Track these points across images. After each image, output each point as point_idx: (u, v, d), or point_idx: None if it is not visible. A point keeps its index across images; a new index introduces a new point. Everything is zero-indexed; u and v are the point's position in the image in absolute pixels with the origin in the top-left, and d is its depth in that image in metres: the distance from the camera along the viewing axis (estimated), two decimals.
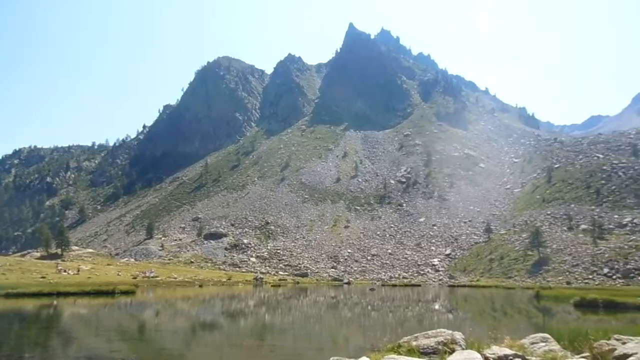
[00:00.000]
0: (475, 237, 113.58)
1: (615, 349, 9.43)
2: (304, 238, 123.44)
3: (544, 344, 11.07)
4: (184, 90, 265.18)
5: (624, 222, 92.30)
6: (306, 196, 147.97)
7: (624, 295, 44.82)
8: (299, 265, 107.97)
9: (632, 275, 69.19)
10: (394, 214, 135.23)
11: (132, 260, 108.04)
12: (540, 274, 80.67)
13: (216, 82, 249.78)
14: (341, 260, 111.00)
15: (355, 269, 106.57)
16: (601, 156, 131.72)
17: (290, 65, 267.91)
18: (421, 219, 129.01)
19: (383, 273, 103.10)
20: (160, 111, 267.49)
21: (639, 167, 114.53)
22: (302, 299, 56.34)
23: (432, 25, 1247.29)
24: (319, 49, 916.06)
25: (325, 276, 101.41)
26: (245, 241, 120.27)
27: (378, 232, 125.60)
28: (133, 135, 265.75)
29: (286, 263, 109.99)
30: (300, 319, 36.78)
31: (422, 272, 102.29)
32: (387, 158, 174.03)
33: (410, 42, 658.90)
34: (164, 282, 72.72)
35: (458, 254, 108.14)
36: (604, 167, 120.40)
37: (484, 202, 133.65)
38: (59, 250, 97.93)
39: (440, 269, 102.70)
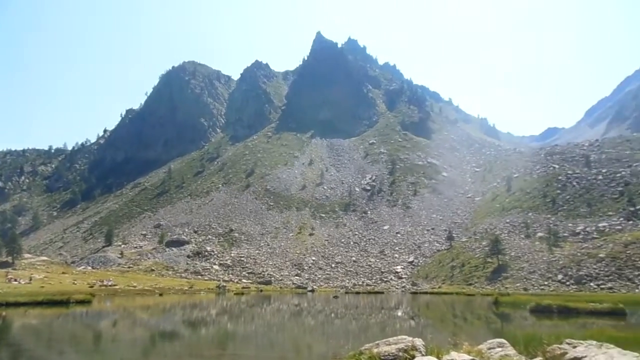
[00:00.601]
0: (438, 244, 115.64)
1: (567, 353, 9.74)
2: (268, 245, 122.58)
3: (500, 349, 11.31)
4: (148, 94, 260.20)
5: (577, 231, 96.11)
6: (271, 203, 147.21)
7: (576, 300, 46.46)
8: (263, 273, 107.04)
9: (584, 281, 71.92)
10: (359, 222, 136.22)
11: (90, 268, 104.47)
12: (499, 280, 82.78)
13: (181, 87, 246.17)
14: (305, 267, 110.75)
15: (320, 276, 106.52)
16: (557, 166, 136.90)
17: (257, 72, 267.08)
18: (385, 227, 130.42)
19: (347, 280, 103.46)
20: (123, 115, 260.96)
21: (592, 177, 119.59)
22: (266, 307, 55.81)
23: (398, 36, 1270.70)
24: (287, 56, 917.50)
25: (289, 284, 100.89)
26: (208, 249, 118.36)
27: (343, 240, 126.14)
28: (93, 140, 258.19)
29: (250, 271, 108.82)
30: (263, 327, 36.38)
31: (385, 279, 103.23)
32: (353, 166, 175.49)
33: (376, 52, 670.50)
34: (122, 290, 70.54)
35: (421, 261, 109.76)
36: (560, 177, 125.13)
37: (446, 210, 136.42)
38: (9, 259, 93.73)
39: (403, 276, 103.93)
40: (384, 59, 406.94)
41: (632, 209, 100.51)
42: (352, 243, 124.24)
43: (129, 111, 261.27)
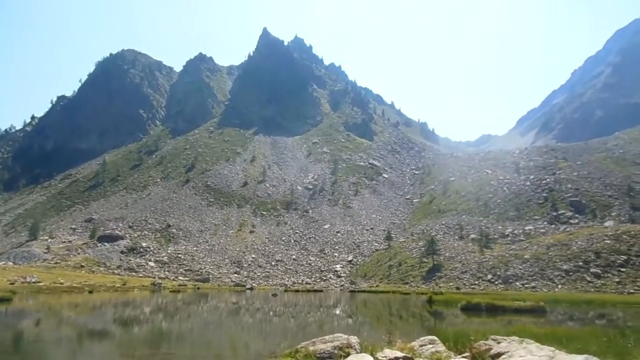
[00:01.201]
0: (376, 244, 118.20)
1: (491, 349, 10.29)
2: (207, 242, 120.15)
3: (431, 345, 11.73)
4: (82, 81, 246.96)
5: (506, 233, 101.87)
6: (211, 199, 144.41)
7: (503, 299, 49.05)
8: (201, 270, 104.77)
9: (510, 281, 76.13)
10: (300, 220, 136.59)
11: (11, 263, 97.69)
12: (434, 279, 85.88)
13: (120, 76, 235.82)
14: (245, 265, 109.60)
15: (259, 274, 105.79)
16: (490, 172, 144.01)
17: (200, 65, 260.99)
18: (326, 226, 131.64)
19: (287, 279, 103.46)
20: (54, 102, 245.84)
21: (520, 183, 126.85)
22: (203, 305, 54.66)
23: (345, 38, 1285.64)
24: (232, 51, 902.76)
25: (227, 281, 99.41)
26: (144, 244, 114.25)
27: (283, 238, 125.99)
28: (19, 126, 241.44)
29: (187, 268, 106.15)
30: (199, 325, 35.61)
31: (324, 277, 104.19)
32: (295, 164, 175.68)
33: (322, 52, 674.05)
34: (47, 288, 66.55)
35: (360, 260, 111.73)
36: (492, 182, 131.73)
37: (385, 211, 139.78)
38: None
39: (342, 274, 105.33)
40: (330, 60, 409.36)
41: (554, 213, 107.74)
42: (292, 241, 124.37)
43: (60, 98, 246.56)
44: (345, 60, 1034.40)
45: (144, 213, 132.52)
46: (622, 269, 70.88)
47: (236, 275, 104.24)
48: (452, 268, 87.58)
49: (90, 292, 66.45)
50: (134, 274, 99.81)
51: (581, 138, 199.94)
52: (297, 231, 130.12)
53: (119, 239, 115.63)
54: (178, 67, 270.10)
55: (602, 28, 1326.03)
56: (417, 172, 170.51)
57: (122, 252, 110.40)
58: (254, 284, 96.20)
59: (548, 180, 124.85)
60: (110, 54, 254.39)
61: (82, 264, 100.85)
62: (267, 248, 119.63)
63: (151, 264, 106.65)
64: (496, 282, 77.20)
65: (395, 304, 60.15)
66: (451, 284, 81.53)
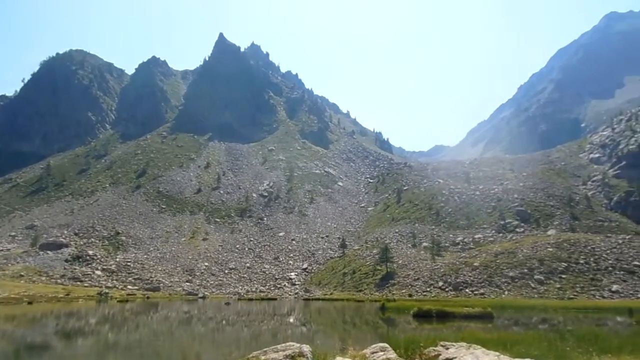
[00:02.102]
0: (331, 252, 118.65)
1: (440, 354, 10.51)
2: (158, 250, 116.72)
3: (382, 352, 11.84)
4: (25, 81, 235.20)
5: (457, 241, 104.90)
6: (163, 206, 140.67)
7: (453, 305, 50.36)
8: (151, 279, 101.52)
9: (460, 288, 78.30)
10: (254, 228, 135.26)
11: None
12: (387, 287, 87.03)
13: (67, 77, 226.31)
14: (197, 273, 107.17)
15: (212, 282, 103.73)
16: (442, 181, 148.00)
17: (154, 69, 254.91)
18: (281, 233, 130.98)
19: (240, 287, 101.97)
20: None
21: (471, 192, 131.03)
22: (152, 315, 52.94)
23: (302, 46, 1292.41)
24: (186, 55, 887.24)
25: (179, 290, 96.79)
26: (90, 252, 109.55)
27: (237, 246, 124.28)
28: None
29: (136, 277, 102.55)
30: (148, 336, 34.43)
31: (279, 285, 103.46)
32: (251, 171, 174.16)
33: (279, 59, 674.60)
34: None
35: (314, 268, 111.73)
36: (444, 192, 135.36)
37: (340, 219, 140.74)
38: None
39: (296, 282, 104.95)
40: (287, 67, 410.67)
41: (502, 222, 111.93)
42: (246, 249, 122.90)
43: (0, 98, 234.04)
44: (302, 69, 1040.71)
45: (91, 220, 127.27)
46: (563, 276, 74.42)
47: (188, 284, 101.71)
48: (405, 275, 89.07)
49: (30, 303, 62.99)
50: (79, 283, 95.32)
51: (527, 150, 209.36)
52: (252, 239, 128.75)
53: (63, 247, 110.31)
54: (130, 70, 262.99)
55: (546, 46, 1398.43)
56: (371, 181, 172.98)
57: (66, 261, 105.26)
58: (206, 293, 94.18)
59: (496, 190, 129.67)
60: (57, 54, 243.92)
61: (22, 274, 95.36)
62: (220, 256, 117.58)
63: (98, 272, 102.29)
64: (447, 289, 79.14)
65: (349, 311, 60.45)
66: (404, 291, 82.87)
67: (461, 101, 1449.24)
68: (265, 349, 12.30)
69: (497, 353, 10.63)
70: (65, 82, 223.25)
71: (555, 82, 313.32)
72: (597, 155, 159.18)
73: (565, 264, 76.47)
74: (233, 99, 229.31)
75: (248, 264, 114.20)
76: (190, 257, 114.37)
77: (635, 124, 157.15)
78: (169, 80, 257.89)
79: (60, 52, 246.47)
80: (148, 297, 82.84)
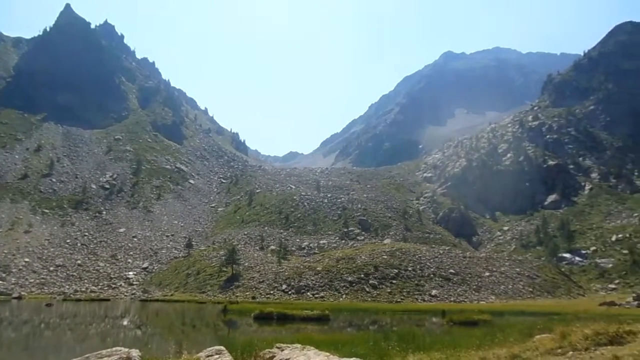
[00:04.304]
0: (176, 251, 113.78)
1: (275, 356, 10.66)
2: None
3: (218, 356, 11.61)
4: None
5: (303, 246, 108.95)
6: None
7: (294, 308, 51.99)
8: None
9: (303, 291, 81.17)
10: (91, 222, 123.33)
11: None
12: (231, 289, 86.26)
13: None
14: (14, 270, 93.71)
15: (32, 281, 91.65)
16: (293, 187, 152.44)
17: None
18: (121, 229, 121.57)
19: (67, 286, 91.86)
20: None
21: (320, 200, 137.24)
22: None
23: (162, 34, 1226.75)
24: (22, 21, 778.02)
25: None
26: None
27: (68, 241, 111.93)
28: None
29: None
30: None
31: (114, 285, 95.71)
32: (92, 160, 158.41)
33: (135, 44, 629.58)
34: None
35: (156, 267, 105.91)
36: (294, 197, 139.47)
37: (188, 218, 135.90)
38: None
39: (134, 282, 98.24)
40: (143, 54, 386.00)
41: (345, 230, 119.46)
42: (79, 244, 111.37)
43: None
44: (160, 58, 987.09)
45: None
46: (394, 281, 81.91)
47: (1, 282, 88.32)
48: (250, 278, 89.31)
49: None
50: None
51: (372, 164, 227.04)
52: (87, 234, 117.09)
53: None
54: None
55: (396, 71, 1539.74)
56: (224, 181, 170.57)
57: None
58: (23, 293, 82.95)
59: (342, 199, 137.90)
60: None
61: None
62: (46, 251, 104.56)
63: None
64: (290, 292, 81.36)
65: (189, 313, 58.57)
66: (248, 293, 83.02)
67: (318, 112, 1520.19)
68: (87, 355, 11.16)
69: (328, 353, 11.17)
70: None
71: (400, 106, 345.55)
72: (429, 174, 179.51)
73: (396, 271, 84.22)
74: (77, 79, 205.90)
75: (79, 261, 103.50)
76: (6, 251, 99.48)
77: (461, 150, 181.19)
78: None
79: None
80: None
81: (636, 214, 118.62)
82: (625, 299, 70.74)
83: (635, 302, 66.56)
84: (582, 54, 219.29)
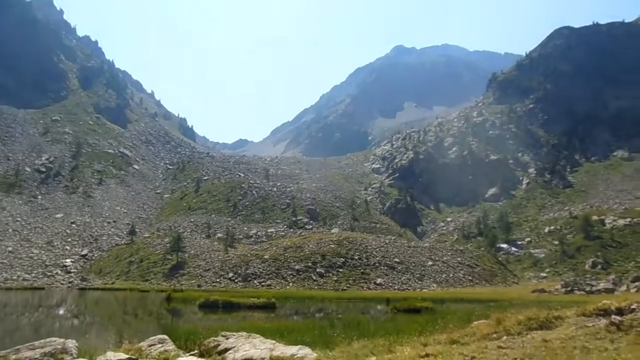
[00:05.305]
0: (118, 238, 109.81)
1: (220, 344, 10.51)
2: None
3: (160, 345, 11.32)
4: None
5: (251, 234, 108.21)
6: None
7: (240, 296, 51.64)
8: None
9: (249, 279, 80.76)
10: (24, 207, 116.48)
11: None
12: (176, 277, 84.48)
13: None
14: None
15: None
16: (242, 175, 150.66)
17: None
18: (58, 215, 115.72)
19: None
20: None
21: (269, 188, 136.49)
22: None
23: (107, 11, 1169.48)
24: None
25: None
26: None
27: None
28: None
29: None
30: None
31: (49, 273, 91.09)
32: (26, 141, 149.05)
33: (76, 20, 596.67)
34: None
35: (96, 255, 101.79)
36: (243, 185, 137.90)
37: (132, 204, 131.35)
38: None
39: (72, 270, 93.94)
40: (85, 32, 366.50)
41: (294, 218, 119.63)
42: (10, 230, 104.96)
43: None
44: (104, 37, 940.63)
45: None
46: (340, 270, 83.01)
47: None
48: (195, 266, 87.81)
49: None
50: None
51: (322, 154, 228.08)
52: (19, 219, 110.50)
53: None
54: None
55: (348, 62, 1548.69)
56: (171, 167, 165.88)
57: None
58: None
59: (292, 188, 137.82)
60: None
61: None
62: None
63: None
64: (236, 280, 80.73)
65: (132, 302, 56.92)
66: (193, 281, 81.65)
67: (269, 100, 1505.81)
68: (18, 347, 10.53)
69: (273, 341, 11.15)
70: None
71: (351, 97, 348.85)
72: (377, 165, 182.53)
73: (343, 259, 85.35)
74: (12, 54, 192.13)
75: (10, 248, 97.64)
76: None
77: (409, 143, 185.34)
78: None
79: None
80: None
81: (567, 208, 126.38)
82: (554, 287, 75.26)
83: (563, 289, 71.08)
84: (524, 54, 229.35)
